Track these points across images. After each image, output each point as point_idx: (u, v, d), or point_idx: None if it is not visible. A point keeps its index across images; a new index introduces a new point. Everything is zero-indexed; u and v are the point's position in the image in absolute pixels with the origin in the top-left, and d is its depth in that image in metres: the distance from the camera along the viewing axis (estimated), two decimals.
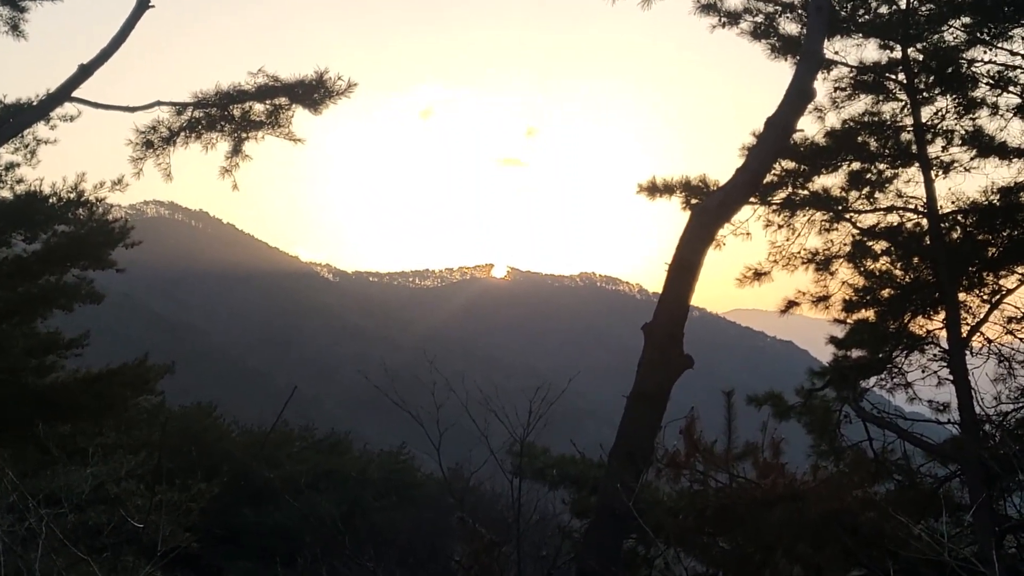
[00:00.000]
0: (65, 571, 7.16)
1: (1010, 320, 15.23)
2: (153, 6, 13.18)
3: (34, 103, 13.58)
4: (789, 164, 15.49)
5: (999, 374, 15.26)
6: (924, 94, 15.07)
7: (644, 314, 11.02)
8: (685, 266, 10.59)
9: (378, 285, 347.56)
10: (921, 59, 15.06)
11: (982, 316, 15.10)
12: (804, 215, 15.84)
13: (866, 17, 15.17)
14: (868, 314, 15.99)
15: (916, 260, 15.62)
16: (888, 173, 15.52)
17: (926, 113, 15.13)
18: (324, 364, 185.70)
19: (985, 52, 14.62)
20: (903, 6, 14.98)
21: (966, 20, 14.61)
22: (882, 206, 15.58)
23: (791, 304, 16.54)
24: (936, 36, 14.87)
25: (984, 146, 14.81)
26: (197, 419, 29.16)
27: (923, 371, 15.61)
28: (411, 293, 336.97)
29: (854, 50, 15.26)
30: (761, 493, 9.88)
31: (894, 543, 9.06)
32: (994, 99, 14.81)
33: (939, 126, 15.11)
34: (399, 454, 37.37)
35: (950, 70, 14.68)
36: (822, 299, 16.21)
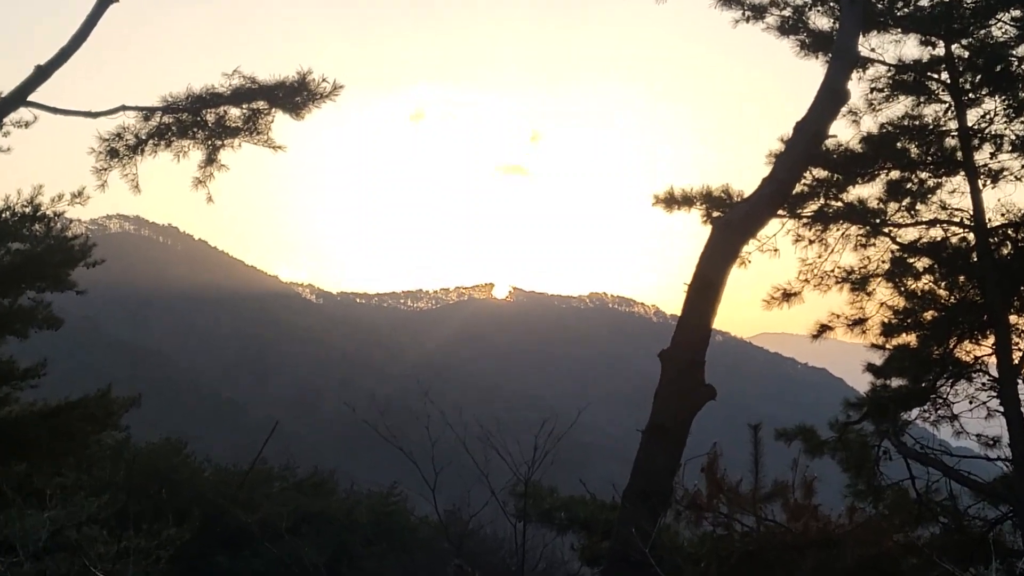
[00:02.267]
0: None
1: None
2: (118, 0, 13.21)
3: None
4: (821, 173, 15.50)
5: None
6: (970, 95, 15.09)
7: (661, 339, 11.01)
8: (707, 285, 10.59)
9: (366, 307, 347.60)
10: (966, 56, 15.09)
11: None
12: (838, 229, 15.84)
13: (905, 10, 15.22)
14: (909, 339, 15.96)
15: (962, 279, 15.60)
16: (931, 183, 15.53)
17: (972, 116, 15.14)
18: (306, 395, 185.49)
19: None
20: None
21: (1016, 13, 14.64)
22: (924, 219, 15.59)
23: (824, 328, 16.51)
24: (983, 31, 14.91)
25: None
26: (166, 456, 29.07)
27: (971, 402, 15.57)
28: (403, 316, 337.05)
29: (892, 47, 15.33)
30: (792, 538, 9.85)
31: None
32: None
33: (987, 130, 15.12)
34: (390, 495, 37.27)
35: (999, 68, 14.70)
36: (858, 322, 16.19)
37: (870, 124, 15.64)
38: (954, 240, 15.58)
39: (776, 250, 15.24)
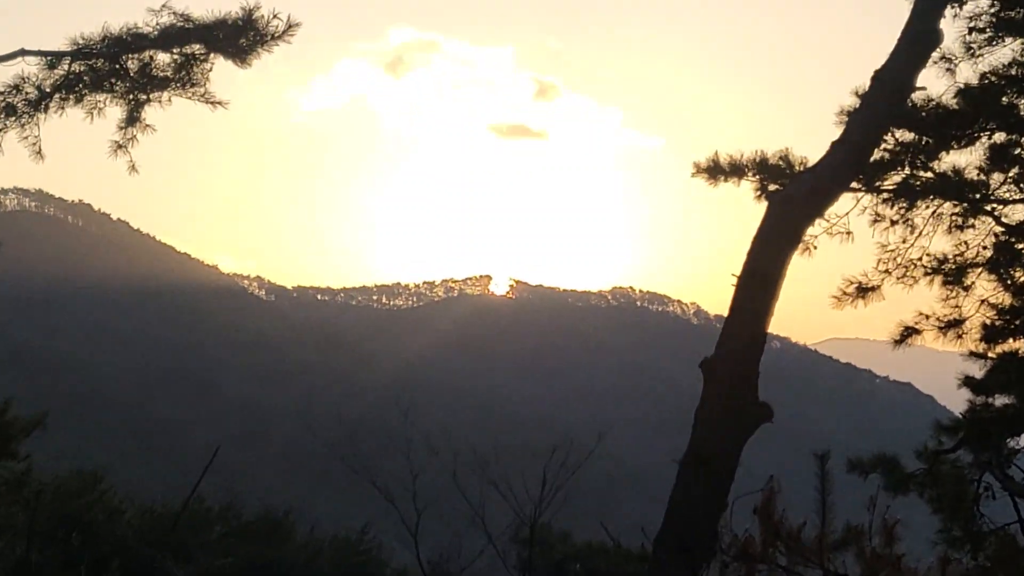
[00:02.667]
0: None
1: None
2: None
3: None
4: (906, 135, 15.47)
5: None
6: None
7: (703, 345, 10.99)
8: (761, 278, 10.56)
9: (330, 306, 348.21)
10: None
11: None
12: (927, 206, 15.82)
13: None
14: (1017, 345, 15.94)
15: None
16: None
17: None
18: (255, 415, 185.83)
19: None
20: None
21: None
22: None
23: (909, 332, 16.49)
24: None
25: None
26: (77, 493, 29.12)
27: None
28: (376, 317, 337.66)
29: None
30: None
31: None
32: None
33: None
34: (360, 542, 37.32)
35: None
36: (953, 324, 16.17)
37: (968, 74, 15.60)
38: None
39: (849, 233, 15.19)
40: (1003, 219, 15.82)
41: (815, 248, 14.88)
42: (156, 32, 12.99)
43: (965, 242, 16.05)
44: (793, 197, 11.00)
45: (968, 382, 16.21)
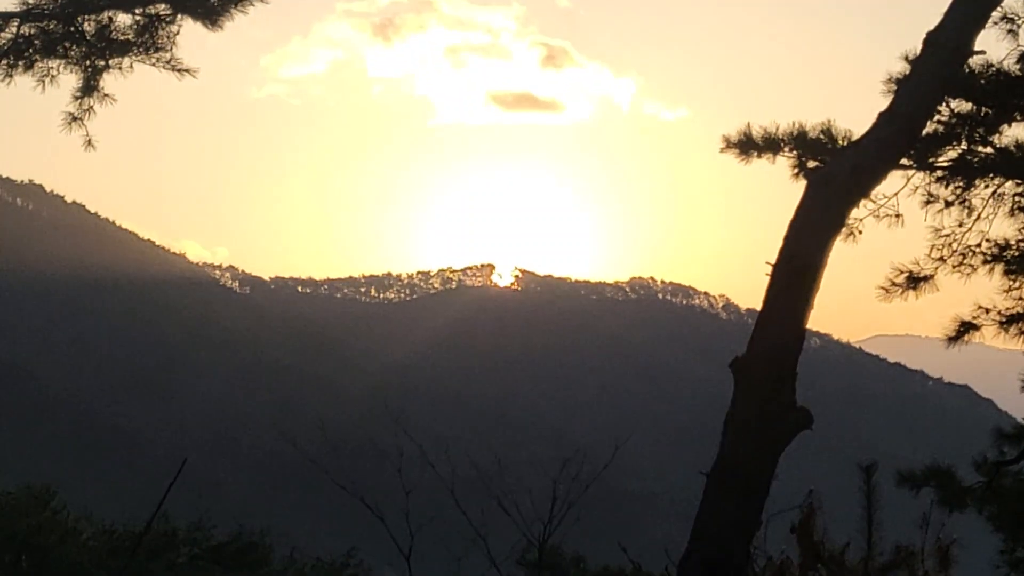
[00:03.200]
0: None
1: None
2: None
3: None
4: (963, 106, 15.48)
5: None
6: None
7: (733, 343, 11.03)
8: (799, 267, 10.59)
9: (311, 299, 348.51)
10: None
11: None
12: (987, 186, 15.83)
13: None
14: None
15: None
16: None
17: None
18: (227, 423, 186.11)
19: None
20: None
21: None
22: None
23: (966, 327, 16.51)
24: None
25: None
26: (27, 512, 29.21)
27: None
28: (364, 311, 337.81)
29: None
30: None
31: None
32: None
33: None
34: (346, 566, 37.47)
35: None
36: (1016, 319, 16.19)
37: None
38: None
39: (899, 216, 15.20)
40: None
41: (860, 233, 14.89)
42: None
43: None
44: (835, 176, 11.03)
45: None
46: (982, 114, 15.57)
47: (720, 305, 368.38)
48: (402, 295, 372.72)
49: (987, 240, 16.06)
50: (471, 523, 10.05)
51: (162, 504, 26.51)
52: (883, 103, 11.54)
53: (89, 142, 13.32)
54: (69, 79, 13.30)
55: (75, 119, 13.33)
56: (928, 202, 15.89)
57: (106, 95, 13.39)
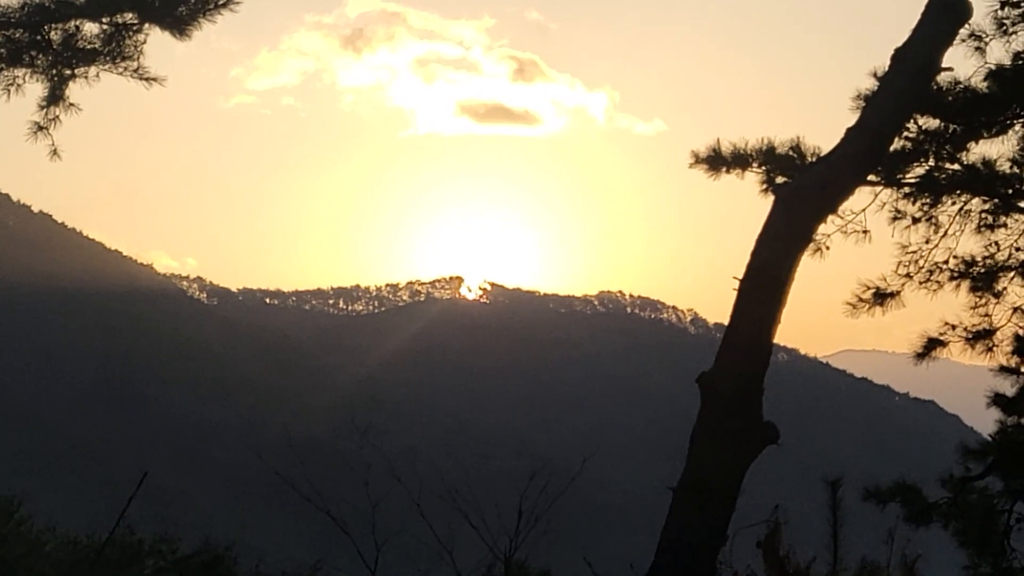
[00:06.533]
0: None
1: None
2: None
3: None
4: (931, 123, 15.53)
5: None
6: None
7: (700, 358, 11.02)
8: (766, 282, 10.60)
9: (279, 311, 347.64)
10: None
11: None
12: (954, 202, 15.88)
13: None
14: None
15: None
16: None
17: None
18: (193, 435, 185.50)
19: None
20: None
21: None
22: None
23: (933, 343, 16.55)
24: None
25: None
26: None
27: None
28: (332, 323, 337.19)
29: None
30: None
31: None
32: None
33: None
34: None
35: None
36: (982, 335, 16.23)
37: (1000, 53, 15.67)
38: None
39: (866, 232, 15.25)
40: None
41: (827, 248, 14.95)
42: None
43: (996, 243, 16.13)
44: (802, 190, 11.06)
45: (998, 400, 16.27)
46: (950, 131, 15.63)
47: (688, 319, 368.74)
48: (370, 307, 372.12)
49: (954, 257, 16.13)
50: (437, 537, 10.01)
51: (123, 515, 26.35)
52: (851, 118, 11.58)
53: (55, 152, 13.25)
54: (35, 88, 13.24)
55: (40, 128, 13.27)
56: (895, 218, 15.94)
57: (72, 104, 13.32)
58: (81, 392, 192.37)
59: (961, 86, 15.47)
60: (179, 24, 12.89)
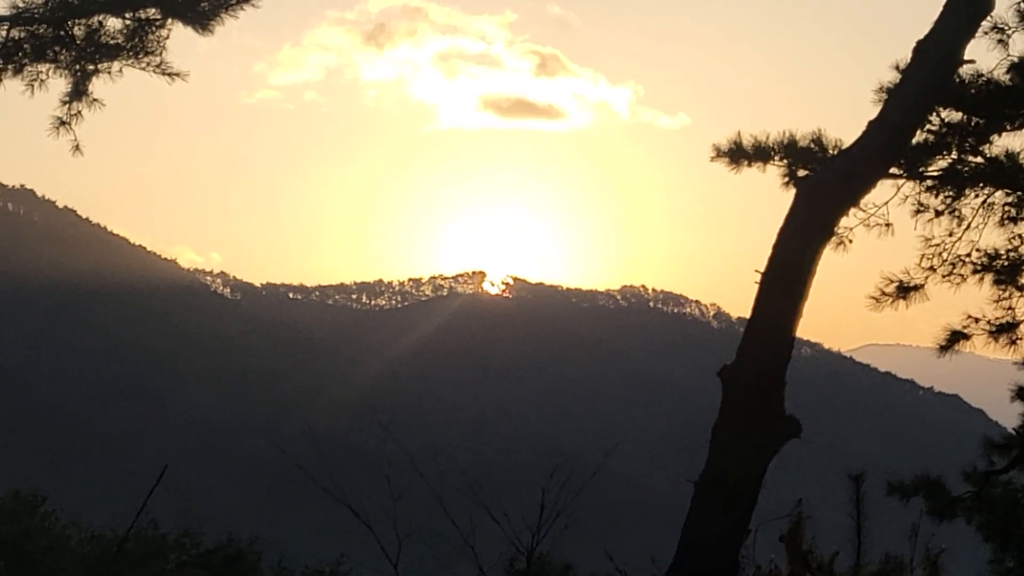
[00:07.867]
0: None
1: None
2: None
3: None
4: (953, 115, 15.48)
5: None
6: None
7: (723, 352, 11.01)
8: (788, 276, 10.58)
9: (302, 305, 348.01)
10: None
11: None
12: (977, 195, 15.82)
13: None
14: None
15: None
16: None
17: None
18: (216, 430, 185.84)
19: None
20: None
21: None
22: None
23: (957, 336, 16.51)
24: None
25: None
26: (15, 517, 29.18)
27: None
28: (354, 318, 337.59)
29: None
30: None
31: None
32: None
33: None
34: (335, 573, 37.46)
35: None
36: (1005, 328, 16.18)
37: (1023, 46, 15.61)
38: None
39: (889, 225, 15.21)
40: None
41: (850, 242, 14.89)
42: None
43: (1019, 235, 16.08)
44: (824, 183, 11.03)
45: (1022, 394, 16.22)
46: (972, 124, 15.58)
47: (711, 313, 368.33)
48: (393, 302, 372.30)
49: (977, 250, 16.07)
50: (459, 531, 10.01)
51: (143, 510, 26.46)
52: (873, 111, 11.55)
53: (77, 147, 13.27)
54: (58, 83, 13.27)
55: (63, 123, 13.29)
56: (918, 211, 15.89)
57: (95, 99, 13.35)
58: (104, 388, 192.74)
59: (983, 79, 15.42)
60: (201, 19, 12.90)
